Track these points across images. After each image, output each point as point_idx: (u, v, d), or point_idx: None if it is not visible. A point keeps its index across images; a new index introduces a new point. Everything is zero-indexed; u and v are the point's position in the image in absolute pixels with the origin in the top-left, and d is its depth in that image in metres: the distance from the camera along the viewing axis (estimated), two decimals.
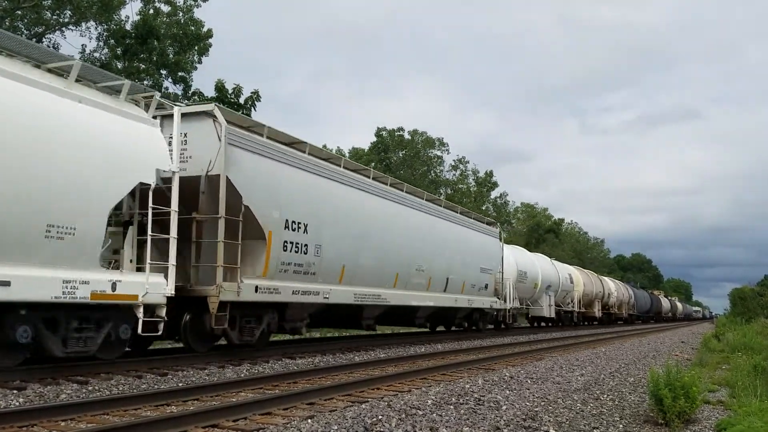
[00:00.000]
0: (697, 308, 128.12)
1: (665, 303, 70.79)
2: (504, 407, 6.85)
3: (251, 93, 23.59)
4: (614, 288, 43.65)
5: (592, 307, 37.66)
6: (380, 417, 5.95)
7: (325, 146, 52.71)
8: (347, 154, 53.83)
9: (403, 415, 6.08)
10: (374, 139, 49.95)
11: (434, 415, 6.22)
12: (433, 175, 50.52)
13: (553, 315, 29.16)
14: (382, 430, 5.54)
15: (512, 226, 62.95)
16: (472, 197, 53.17)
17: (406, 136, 50.08)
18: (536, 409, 6.94)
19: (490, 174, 56.35)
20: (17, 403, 6.36)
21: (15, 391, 6.86)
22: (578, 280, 35.20)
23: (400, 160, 49.06)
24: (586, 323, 39.05)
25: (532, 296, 27.53)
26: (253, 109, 23.58)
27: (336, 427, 5.51)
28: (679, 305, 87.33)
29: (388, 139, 49.65)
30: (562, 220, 76.24)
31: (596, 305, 38.00)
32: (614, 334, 26.24)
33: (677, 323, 64.09)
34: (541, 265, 28.84)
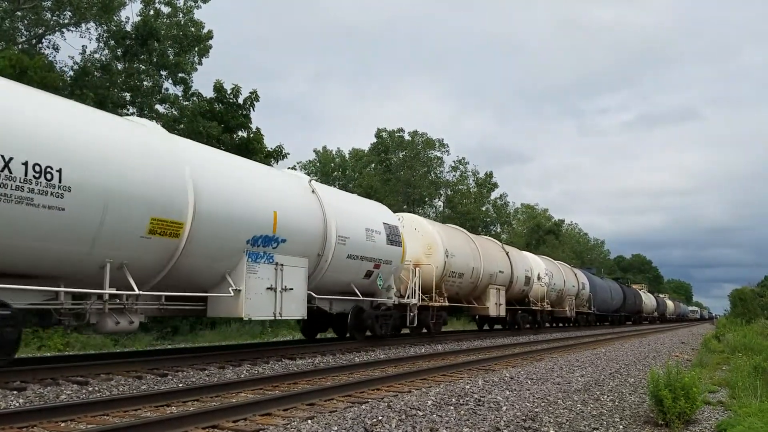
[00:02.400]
0: (694, 308, 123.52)
1: (648, 300, 57.39)
2: (504, 408, 6.85)
3: (250, 93, 23.61)
4: (545, 270, 27.64)
5: (483, 301, 21.74)
6: (380, 418, 5.95)
7: (324, 147, 53.08)
8: (347, 156, 53.87)
9: (403, 416, 6.08)
10: (374, 140, 49.95)
11: (434, 415, 6.22)
12: (433, 176, 50.41)
13: (299, 313, 11.63)
14: (382, 430, 5.54)
15: (512, 228, 62.88)
16: (472, 198, 53.11)
17: (406, 137, 50.03)
18: (536, 409, 6.94)
19: (490, 175, 56.30)
20: (17, 404, 6.36)
21: (15, 392, 6.87)
22: (432, 241, 18.22)
23: (400, 161, 48.97)
24: (490, 328, 25.32)
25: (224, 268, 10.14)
26: (252, 109, 23.57)
27: (336, 428, 5.51)
28: (670, 303, 74.74)
29: (388, 140, 49.59)
30: (563, 221, 76.18)
31: (493, 296, 21.90)
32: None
33: (672, 325, 57.43)
34: (254, 191, 10.74)
